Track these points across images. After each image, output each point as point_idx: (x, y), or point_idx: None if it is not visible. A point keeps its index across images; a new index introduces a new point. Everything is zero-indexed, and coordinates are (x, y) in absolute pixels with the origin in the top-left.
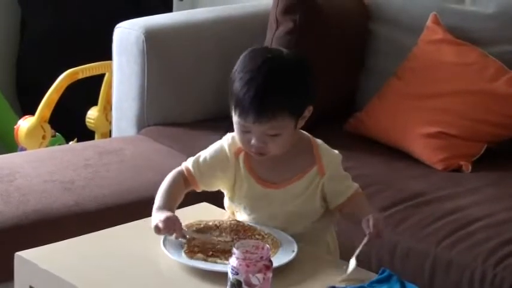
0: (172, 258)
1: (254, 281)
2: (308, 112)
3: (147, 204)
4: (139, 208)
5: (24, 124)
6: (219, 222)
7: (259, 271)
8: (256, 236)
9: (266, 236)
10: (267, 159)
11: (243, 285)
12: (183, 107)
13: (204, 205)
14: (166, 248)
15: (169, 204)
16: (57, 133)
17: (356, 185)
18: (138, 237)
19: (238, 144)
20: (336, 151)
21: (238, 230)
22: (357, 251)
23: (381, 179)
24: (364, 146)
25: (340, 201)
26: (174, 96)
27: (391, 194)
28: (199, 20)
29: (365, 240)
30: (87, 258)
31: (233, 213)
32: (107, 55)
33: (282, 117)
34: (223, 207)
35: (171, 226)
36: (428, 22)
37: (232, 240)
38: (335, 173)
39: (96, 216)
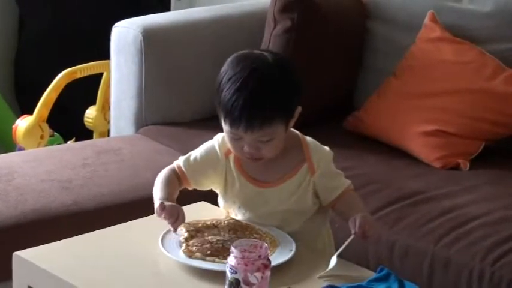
0: (170, 258)
1: (252, 279)
2: (297, 112)
3: (145, 204)
4: (137, 207)
5: (22, 123)
6: (217, 221)
7: (258, 270)
8: (254, 235)
9: (264, 235)
10: None
11: (241, 284)
12: (181, 106)
13: (202, 204)
14: (164, 247)
15: (170, 195)
16: (55, 132)
17: (348, 182)
18: (137, 236)
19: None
20: (327, 148)
21: (236, 229)
22: (340, 250)
23: (379, 178)
24: (363, 145)
25: (332, 198)
26: (172, 95)
27: (389, 193)
28: (197, 19)
29: (349, 240)
30: (85, 257)
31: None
32: (104, 54)
33: (273, 123)
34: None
35: (175, 213)
36: (426, 20)
37: (231, 239)
38: (326, 170)
39: (95, 215)
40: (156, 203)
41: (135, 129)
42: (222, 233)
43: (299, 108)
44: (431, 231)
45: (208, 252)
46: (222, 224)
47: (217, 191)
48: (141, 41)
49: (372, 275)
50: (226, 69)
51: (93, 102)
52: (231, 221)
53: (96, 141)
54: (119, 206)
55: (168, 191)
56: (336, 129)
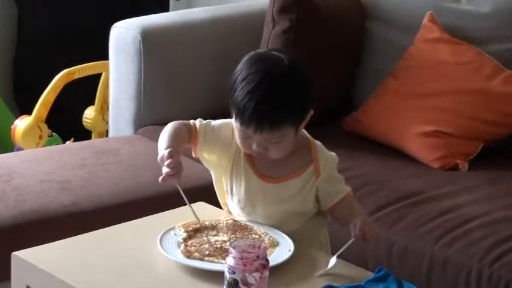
0: (169, 258)
1: (251, 280)
2: (309, 116)
3: (144, 204)
4: (136, 208)
5: (21, 124)
6: (216, 222)
7: (256, 270)
8: (253, 235)
9: (263, 235)
10: None
11: (240, 284)
12: (180, 106)
13: (201, 205)
14: (162, 248)
15: (178, 149)
16: (54, 133)
17: (348, 189)
18: (136, 236)
19: None
20: (333, 153)
21: (235, 230)
22: (340, 251)
23: (378, 178)
24: (361, 145)
25: (332, 203)
26: (171, 95)
27: (388, 193)
28: (196, 20)
29: (349, 242)
30: (84, 258)
31: (229, 212)
32: (103, 55)
33: (282, 127)
34: (220, 207)
35: (177, 167)
36: (425, 21)
37: (229, 240)
38: (330, 175)
39: (93, 216)
40: (163, 150)
41: (133, 130)
42: (220, 234)
43: (311, 112)
44: (430, 232)
45: (207, 252)
46: (221, 224)
47: (215, 174)
48: (139, 41)
49: (370, 275)
50: (241, 68)
51: (92, 103)
52: (229, 221)
53: (94, 142)
54: (117, 207)
55: (177, 144)
56: (335, 130)
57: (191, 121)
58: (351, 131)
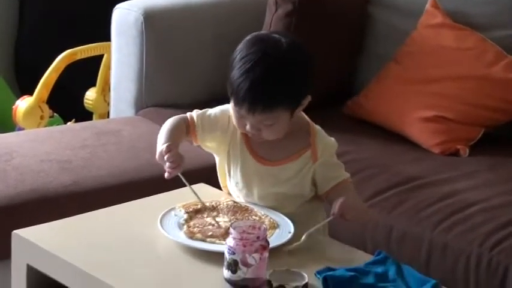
0: (170, 238)
1: (250, 260)
2: (306, 101)
3: (144, 185)
4: (136, 188)
5: (22, 104)
6: (216, 203)
7: (256, 251)
8: (254, 217)
9: (263, 217)
10: None
11: (240, 264)
12: (181, 88)
13: (201, 186)
14: (163, 228)
15: (174, 141)
16: (55, 114)
17: (347, 175)
18: (136, 217)
19: None
20: (333, 139)
21: (236, 211)
22: (314, 227)
23: (378, 162)
24: (362, 130)
25: (328, 187)
26: (172, 77)
27: (388, 177)
28: (198, 2)
29: (326, 220)
30: (85, 237)
31: (229, 194)
32: (105, 36)
33: (276, 110)
34: (220, 188)
35: (177, 160)
36: (427, 6)
37: (230, 221)
38: (328, 160)
39: (94, 196)
40: (160, 146)
41: (135, 112)
42: (221, 215)
43: (308, 97)
44: (430, 216)
45: (210, 233)
46: (221, 205)
47: (219, 156)
48: (142, 23)
49: (369, 258)
50: (241, 47)
51: (94, 84)
52: (229, 202)
53: (95, 123)
54: (118, 187)
55: (175, 138)
56: (336, 114)
57: (188, 113)
58: (352, 115)
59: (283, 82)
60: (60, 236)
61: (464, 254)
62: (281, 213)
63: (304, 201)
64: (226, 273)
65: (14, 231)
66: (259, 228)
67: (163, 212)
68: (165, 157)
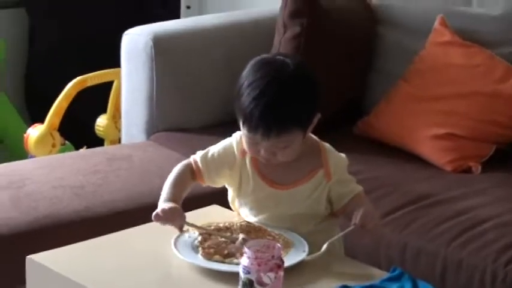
0: (186, 261)
1: (266, 280)
2: (316, 119)
3: (156, 209)
4: (149, 213)
5: (34, 132)
6: (230, 224)
7: (271, 270)
8: (268, 237)
9: (277, 237)
10: None
11: (255, 284)
12: (191, 112)
13: (214, 208)
14: (178, 251)
15: (174, 196)
16: (66, 141)
17: (360, 188)
18: (149, 239)
19: None
20: (343, 155)
21: (249, 231)
22: (336, 237)
23: (390, 181)
24: (373, 149)
25: (343, 203)
26: (183, 102)
27: (400, 196)
28: (207, 26)
29: (347, 230)
30: (99, 260)
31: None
32: (115, 63)
33: (291, 131)
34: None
35: (169, 217)
36: (436, 24)
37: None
38: (341, 177)
39: (106, 221)
40: (161, 204)
41: (146, 137)
42: (234, 236)
43: (318, 115)
44: (443, 233)
45: (226, 252)
46: (235, 226)
47: (230, 188)
48: (151, 48)
49: (385, 274)
50: (247, 73)
51: (104, 111)
52: (243, 223)
53: (107, 149)
54: (130, 212)
55: (174, 192)
56: (346, 134)
57: (191, 158)
58: (363, 135)
59: (294, 103)
60: (74, 261)
61: (478, 270)
62: (296, 233)
63: (319, 221)
64: None
65: (28, 256)
66: (274, 247)
67: (176, 235)
68: (160, 220)
